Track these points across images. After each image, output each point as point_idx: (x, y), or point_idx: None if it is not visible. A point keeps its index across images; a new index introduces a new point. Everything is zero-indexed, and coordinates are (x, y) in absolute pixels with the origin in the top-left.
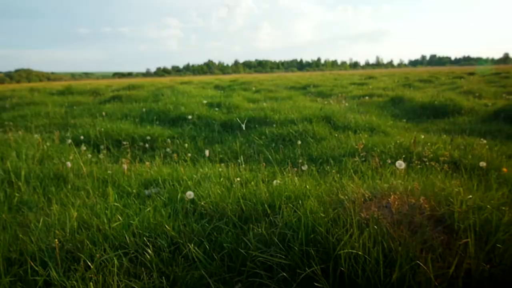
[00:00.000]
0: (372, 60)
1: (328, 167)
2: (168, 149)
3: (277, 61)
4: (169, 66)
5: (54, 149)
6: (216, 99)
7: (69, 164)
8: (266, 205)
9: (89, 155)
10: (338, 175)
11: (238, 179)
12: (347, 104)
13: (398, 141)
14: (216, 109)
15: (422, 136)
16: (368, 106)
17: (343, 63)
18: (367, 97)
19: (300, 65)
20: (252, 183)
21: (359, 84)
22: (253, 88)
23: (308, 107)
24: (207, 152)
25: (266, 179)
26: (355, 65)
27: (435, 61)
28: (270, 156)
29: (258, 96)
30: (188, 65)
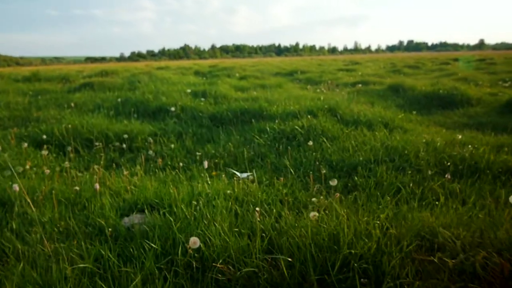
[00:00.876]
0: (350, 45)
1: (359, 179)
2: (150, 151)
3: (255, 45)
4: (144, 51)
5: (8, 154)
6: (199, 87)
7: (16, 187)
8: (312, 268)
9: (52, 163)
10: (393, 202)
11: (258, 209)
12: (343, 93)
13: (425, 141)
14: (202, 99)
15: (460, 136)
16: (367, 95)
17: (322, 48)
18: (360, 85)
19: (278, 50)
20: (276, 212)
21: (346, 70)
22: (237, 75)
23: (305, 97)
24: (205, 164)
25: (291, 203)
26: (333, 50)
27: (412, 46)
28: (276, 161)
29: (245, 84)
30: (163, 49)
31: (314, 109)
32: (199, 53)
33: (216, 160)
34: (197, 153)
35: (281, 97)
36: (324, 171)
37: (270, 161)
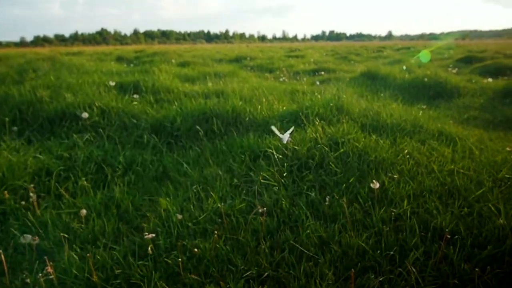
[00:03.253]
0: (279, 34)
1: None
2: (26, 239)
3: (183, 32)
4: (51, 35)
5: None
6: (128, 77)
7: None
8: None
9: None
10: None
11: None
12: (318, 83)
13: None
14: (135, 96)
15: None
16: (348, 85)
17: (252, 36)
18: (323, 72)
19: (208, 37)
20: None
21: (296, 57)
22: (173, 61)
23: (278, 89)
24: None
25: None
26: (263, 38)
27: (333, 36)
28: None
29: (190, 72)
30: (76, 33)
31: (320, 109)
32: (119, 39)
33: (191, 266)
34: (145, 236)
35: (258, 93)
36: None
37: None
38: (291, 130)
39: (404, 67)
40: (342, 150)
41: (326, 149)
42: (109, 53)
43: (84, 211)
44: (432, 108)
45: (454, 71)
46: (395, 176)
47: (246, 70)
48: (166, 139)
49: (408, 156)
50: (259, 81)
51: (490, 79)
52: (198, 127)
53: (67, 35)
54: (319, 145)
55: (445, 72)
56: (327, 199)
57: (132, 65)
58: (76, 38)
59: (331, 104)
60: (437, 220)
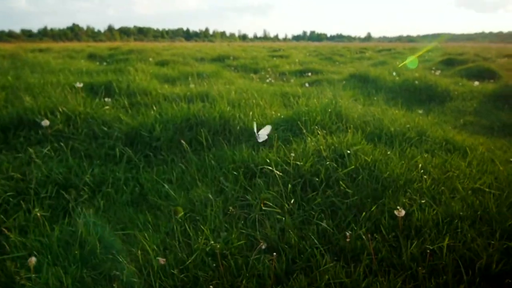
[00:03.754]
0: (260, 34)
1: None
2: None
3: (161, 29)
4: (17, 30)
5: None
6: (100, 77)
7: None
8: None
9: None
10: None
11: None
12: (307, 85)
13: None
14: (107, 99)
15: None
16: (341, 88)
17: (232, 35)
18: (309, 73)
19: (187, 35)
20: None
21: (280, 56)
22: (151, 59)
23: (267, 91)
24: None
25: None
26: (244, 37)
27: (314, 37)
28: None
29: (170, 72)
30: (45, 29)
31: (315, 116)
32: (93, 35)
33: None
34: None
35: (240, 94)
36: None
37: None
38: (268, 128)
39: (394, 72)
40: (351, 166)
41: (334, 164)
42: (80, 50)
43: (33, 260)
44: (429, 113)
45: (437, 73)
46: (415, 197)
47: (230, 70)
48: (143, 151)
49: (422, 171)
50: (246, 83)
51: (477, 82)
52: (180, 136)
53: (35, 30)
54: (323, 160)
55: (431, 74)
56: (347, 234)
57: (105, 63)
58: (45, 34)
59: (329, 110)
60: (482, 259)
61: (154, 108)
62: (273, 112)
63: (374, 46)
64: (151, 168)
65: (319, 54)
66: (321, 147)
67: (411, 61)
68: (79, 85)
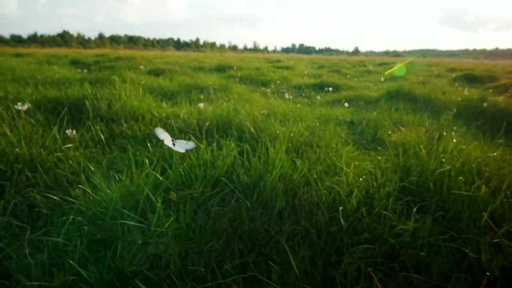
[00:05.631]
0: (250, 45)
1: None
2: None
3: (151, 38)
4: (6, 35)
5: None
6: (71, 89)
7: None
8: None
9: None
10: None
11: None
12: (346, 104)
13: None
14: (71, 131)
15: None
16: (384, 108)
17: (223, 45)
18: (330, 88)
19: (177, 44)
20: None
21: (286, 68)
22: (142, 67)
23: (321, 117)
24: None
25: None
26: (234, 48)
27: (303, 49)
28: None
29: (167, 84)
30: (35, 35)
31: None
32: (83, 42)
33: None
34: None
35: (283, 124)
36: None
37: None
38: (190, 143)
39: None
40: None
41: None
42: (63, 56)
43: None
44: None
45: (466, 91)
46: None
47: (235, 81)
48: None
49: None
50: (269, 101)
51: None
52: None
53: (24, 35)
54: None
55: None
56: None
57: (86, 71)
58: (34, 40)
59: (444, 158)
60: None
61: (153, 151)
62: (360, 166)
63: (371, 60)
64: None
65: (321, 66)
66: None
67: (398, 68)
68: (21, 107)
